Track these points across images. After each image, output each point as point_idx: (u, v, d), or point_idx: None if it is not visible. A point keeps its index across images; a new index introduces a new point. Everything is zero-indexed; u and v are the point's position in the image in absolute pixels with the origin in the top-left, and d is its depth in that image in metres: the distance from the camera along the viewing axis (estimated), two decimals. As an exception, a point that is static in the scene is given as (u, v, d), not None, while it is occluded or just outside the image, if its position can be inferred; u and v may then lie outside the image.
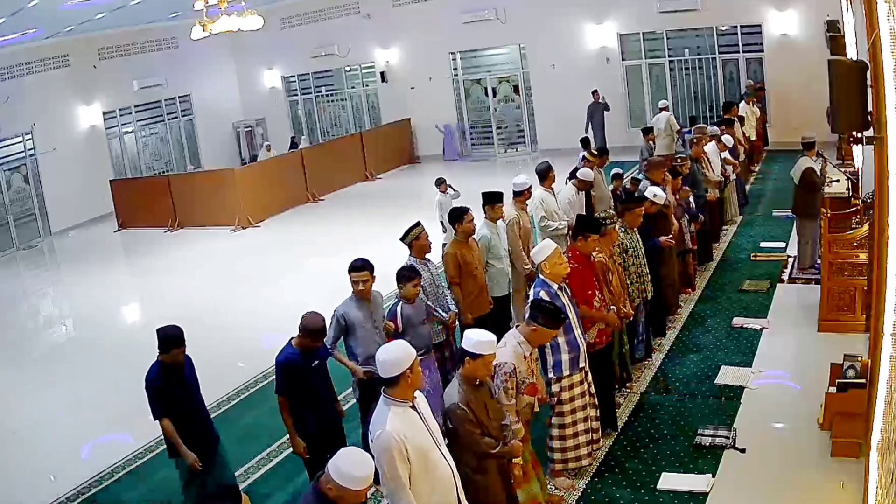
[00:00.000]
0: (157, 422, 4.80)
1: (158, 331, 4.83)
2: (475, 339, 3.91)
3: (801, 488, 4.74)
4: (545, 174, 7.79)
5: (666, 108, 13.43)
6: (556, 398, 4.92)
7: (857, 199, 7.87)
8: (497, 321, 6.18)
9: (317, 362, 4.88)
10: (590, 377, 5.10)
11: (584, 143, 11.51)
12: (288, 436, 4.91)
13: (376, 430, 3.43)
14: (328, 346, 5.13)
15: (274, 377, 4.92)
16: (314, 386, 4.85)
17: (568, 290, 5.04)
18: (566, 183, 9.05)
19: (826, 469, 4.84)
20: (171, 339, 4.80)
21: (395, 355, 3.49)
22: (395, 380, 3.45)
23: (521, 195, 7.11)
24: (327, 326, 4.97)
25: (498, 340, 4.11)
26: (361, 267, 5.22)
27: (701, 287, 8.27)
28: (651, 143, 12.24)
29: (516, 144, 18.43)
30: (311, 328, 4.73)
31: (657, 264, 6.86)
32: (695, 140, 9.49)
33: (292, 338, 4.85)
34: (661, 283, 6.98)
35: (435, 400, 4.56)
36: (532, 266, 6.94)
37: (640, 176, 9.28)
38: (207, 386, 6.74)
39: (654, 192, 7.08)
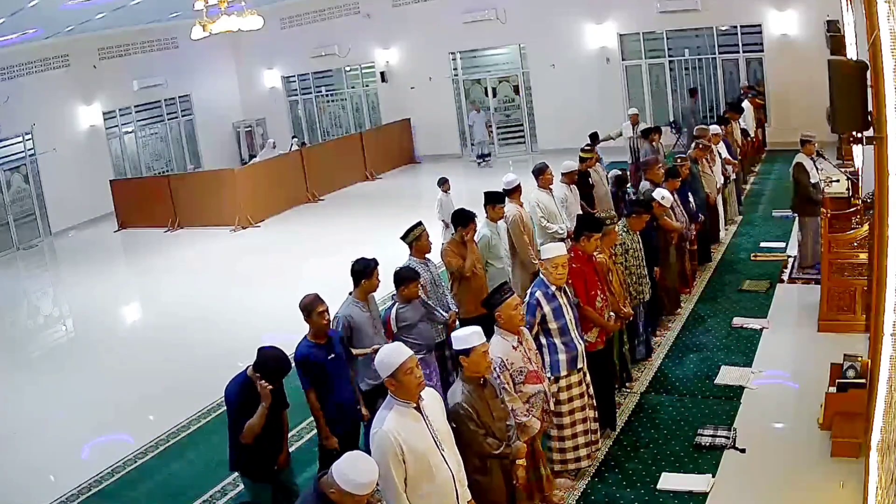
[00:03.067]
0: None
1: (266, 353, 4.26)
2: (461, 335, 3.92)
3: (801, 488, 4.74)
4: (539, 174, 7.83)
5: (633, 118, 12.30)
6: (554, 399, 4.91)
7: (857, 199, 7.87)
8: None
9: (333, 356, 4.86)
10: (588, 378, 5.09)
11: (593, 137, 11.12)
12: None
13: (374, 428, 3.46)
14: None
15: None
16: (333, 380, 4.83)
17: (567, 292, 5.03)
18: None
19: (826, 469, 4.84)
20: (281, 370, 4.25)
21: (382, 357, 3.54)
22: (391, 379, 3.47)
23: (514, 192, 7.18)
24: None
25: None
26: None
27: (701, 287, 8.27)
28: (650, 143, 12.20)
29: (516, 144, 18.42)
30: (306, 303, 4.77)
31: (655, 266, 6.86)
32: (698, 144, 9.49)
33: (307, 333, 4.85)
34: (658, 286, 6.98)
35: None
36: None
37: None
38: (207, 385, 6.79)
39: (661, 195, 7.09)
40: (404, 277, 5.40)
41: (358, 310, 5.26)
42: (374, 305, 5.44)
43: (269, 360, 4.23)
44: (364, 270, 5.28)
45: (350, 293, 5.35)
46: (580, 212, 8.01)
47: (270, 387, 4.21)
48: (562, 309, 4.89)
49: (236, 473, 5.69)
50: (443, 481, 3.51)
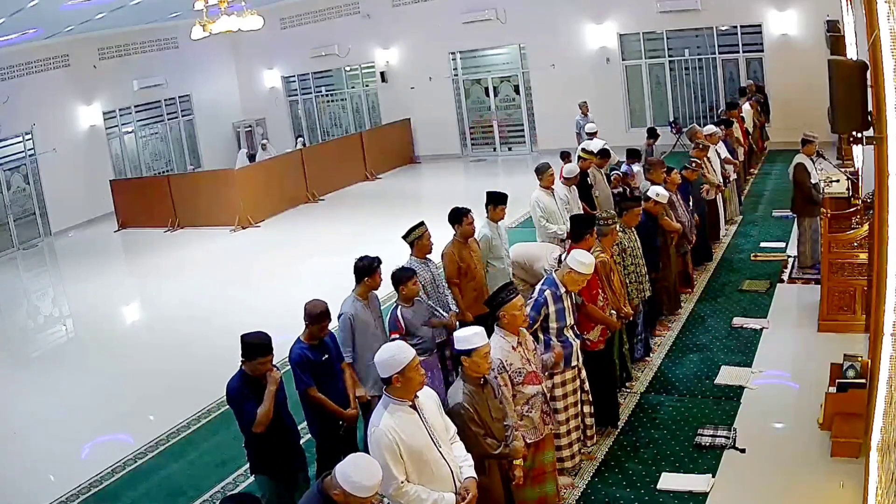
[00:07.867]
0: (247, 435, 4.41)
1: (242, 337, 4.33)
2: (464, 335, 3.92)
3: (801, 488, 4.74)
4: (541, 173, 7.80)
5: (591, 134, 11.63)
6: (548, 395, 4.91)
7: (857, 199, 7.87)
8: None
9: (325, 356, 4.87)
10: (584, 374, 5.09)
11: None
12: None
13: (371, 427, 3.49)
14: (344, 353, 5.13)
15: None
16: (325, 381, 4.84)
17: (572, 296, 5.03)
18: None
19: (826, 469, 4.84)
20: (254, 346, 4.26)
21: (385, 356, 3.53)
22: (388, 380, 3.48)
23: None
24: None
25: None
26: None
27: (701, 287, 8.27)
28: (646, 145, 12.19)
29: (516, 144, 18.41)
30: (316, 313, 4.75)
31: (655, 265, 6.86)
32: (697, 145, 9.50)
33: (300, 335, 4.86)
34: (657, 285, 6.98)
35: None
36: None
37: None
38: (207, 385, 6.80)
39: (656, 192, 7.09)
40: (401, 277, 5.40)
41: (361, 307, 5.27)
42: (375, 304, 5.44)
43: (252, 338, 4.29)
44: (367, 268, 5.30)
45: (353, 290, 5.35)
46: (578, 212, 8.02)
47: (277, 370, 4.32)
48: (565, 312, 4.91)
49: (237, 473, 5.73)
50: (442, 477, 3.52)
